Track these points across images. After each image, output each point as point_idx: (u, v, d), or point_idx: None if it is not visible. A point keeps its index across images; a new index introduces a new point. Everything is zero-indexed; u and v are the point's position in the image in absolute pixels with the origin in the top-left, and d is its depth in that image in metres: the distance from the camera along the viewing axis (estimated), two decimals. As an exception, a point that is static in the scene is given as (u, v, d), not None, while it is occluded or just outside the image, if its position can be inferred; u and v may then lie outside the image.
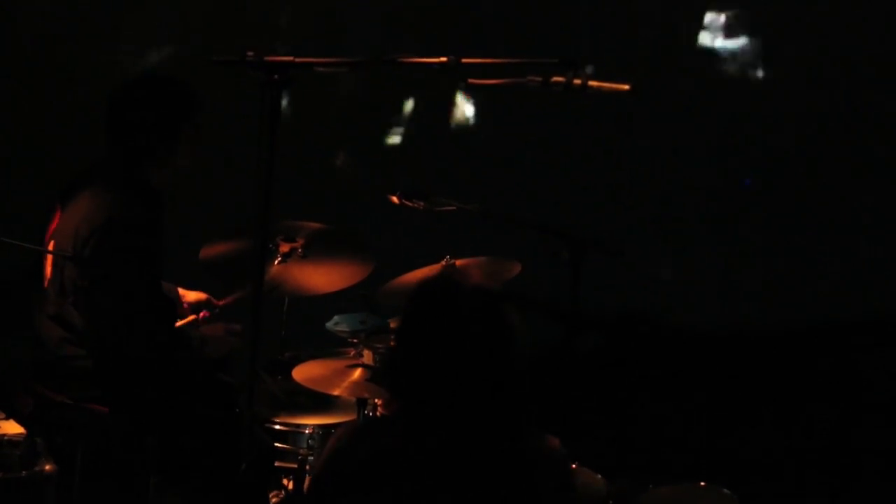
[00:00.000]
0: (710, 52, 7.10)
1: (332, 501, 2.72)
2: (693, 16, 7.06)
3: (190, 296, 4.27)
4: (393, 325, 4.55)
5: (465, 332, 2.69)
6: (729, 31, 7.10)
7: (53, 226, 3.91)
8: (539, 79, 3.00)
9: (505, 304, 2.73)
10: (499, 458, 2.67)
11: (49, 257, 3.86)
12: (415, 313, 2.78)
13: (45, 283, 3.89)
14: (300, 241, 4.31)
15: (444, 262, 4.35)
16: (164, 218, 3.89)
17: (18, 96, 6.11)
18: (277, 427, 4.32)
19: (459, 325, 2.69)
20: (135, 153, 3.88)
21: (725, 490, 3.84)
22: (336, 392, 4.13)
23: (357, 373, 4.18)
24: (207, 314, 4.23)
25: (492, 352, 2.69)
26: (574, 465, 2.81)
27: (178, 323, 4.16)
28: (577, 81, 2.97)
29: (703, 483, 3.90)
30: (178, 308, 4.21)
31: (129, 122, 3.89)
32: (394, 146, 6.55)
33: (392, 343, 4.09)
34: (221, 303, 4.26)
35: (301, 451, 4.27)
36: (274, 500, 4.17)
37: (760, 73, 7.18)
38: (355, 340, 4.43)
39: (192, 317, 4.19)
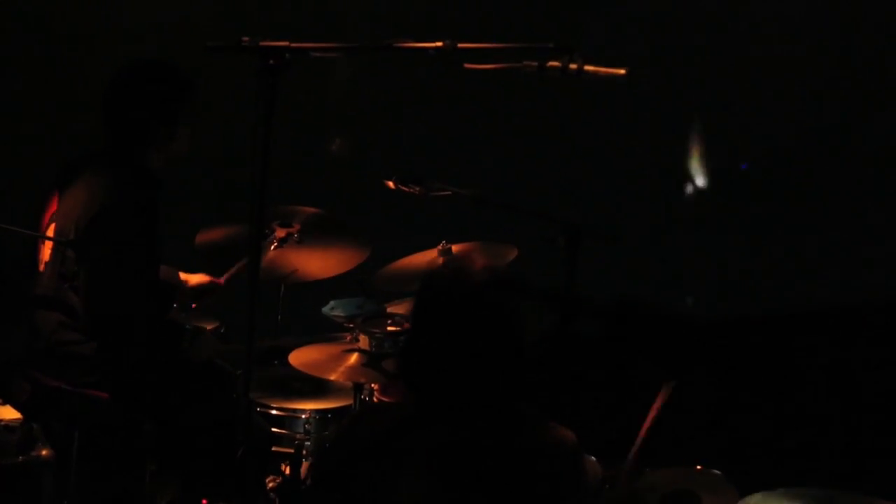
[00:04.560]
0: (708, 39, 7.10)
1: (334, 484, 2.72)
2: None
3: (192, 279, 4.28)
4: (389, 309, 4.56)
5: (476, 321, 2.69)
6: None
7: (52, 210, 3.91)
8: (535, 64, 3.00)
9: (512, 290, 2.72)
10: (504, 450, 2.67)
11: (47, 242, 3.87)
12: (425, 302, 2.77)
13: (41, 267, 3.89)
14: (296, 227, 4.32)
15: (439, 248, 4.36)
16: (159, 199, 3.89)
17: (14, 84, 6.10)
18: (274, 412, 4.33)
19: (469, 313, 2.69)
20: (133, 138, 3.89)
21: (721, 474, 3.85)
22: (332, 377, 4.15)
23: (353, 358, 4.19)
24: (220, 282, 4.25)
25: (501, 340, 2.69)
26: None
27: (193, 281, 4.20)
28: (573, 66, 2.96)
29: (698, 467, 3.91)
30: (180, 292, 4.22)
31: (127, 108, 3.89)
32: (390, 131, 6.53)
33: (402, 331, 4.12)
34: (223, 280, 4.26)
35: (298, 435, 4.28)
36: (271, 484, 4.18)
37: (759, 60, 7.17)
38: (351, 325, 4.44)
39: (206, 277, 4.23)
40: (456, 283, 2.74)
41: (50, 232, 3.86)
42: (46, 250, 3.89)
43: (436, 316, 2.74)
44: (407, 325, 4.20)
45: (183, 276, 4.25)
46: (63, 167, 3.96)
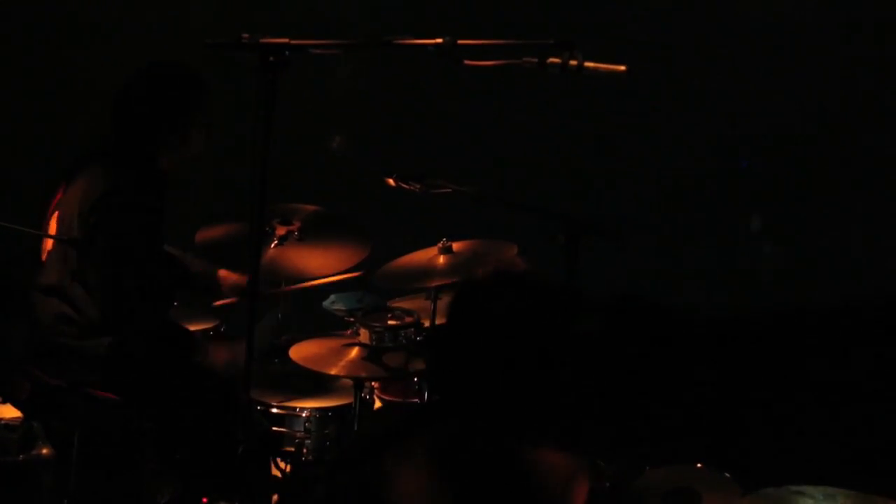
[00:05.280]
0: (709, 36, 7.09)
1: (343, 474, 2.71)
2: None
3: (231, 279, 4.27)
4: (390, 304, 4.56)
5: (515, 330, 2.66)
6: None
7: (57, 199, 3.91)
8: (535, 60, 3.00)
9: (557, 299, 2.69)
10: (502, 459, 2.65)
11: (50, 231, 3.87)
12: (465, 307, 2.74)
13: (43, 257, 3.89)
14: (296, 224, 4.31)
15: (440, 245, 4.35)
16: (164, 198, 3.89)
17: (20, 85, 6.10)
18: (275, 410, 4.32)
19: (510, 322, 2.66)
20: (143, 140, 3.89)
21: (723, 472, 3.85)
22: (333, 371, 4.13)
23: (354, 352, 4.18)
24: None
25: (537, 351, 2.66)
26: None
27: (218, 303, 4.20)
28: (573, 62, 2.96)
29: (699, 465, 3.91)
30: (215, 289, 4.25)
31: (139, 110, 3.88)
32: (390, 129, 6.53)
33: (403, 325, 4.11)
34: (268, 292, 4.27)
35: (298, 434, 4.27)
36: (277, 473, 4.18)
37: (759, 59, 7.16)
38: (352, 319, 4.43)
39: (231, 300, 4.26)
40: (498, 291, 2.70)
41: (53, 220, 3.86)
42: (49, 240, 3.90)
43: (475, 322, 2.70)
44: (409, 319, 4.19)
45: (223, 273, 4.25)
46: (71, 162, 3.96)
